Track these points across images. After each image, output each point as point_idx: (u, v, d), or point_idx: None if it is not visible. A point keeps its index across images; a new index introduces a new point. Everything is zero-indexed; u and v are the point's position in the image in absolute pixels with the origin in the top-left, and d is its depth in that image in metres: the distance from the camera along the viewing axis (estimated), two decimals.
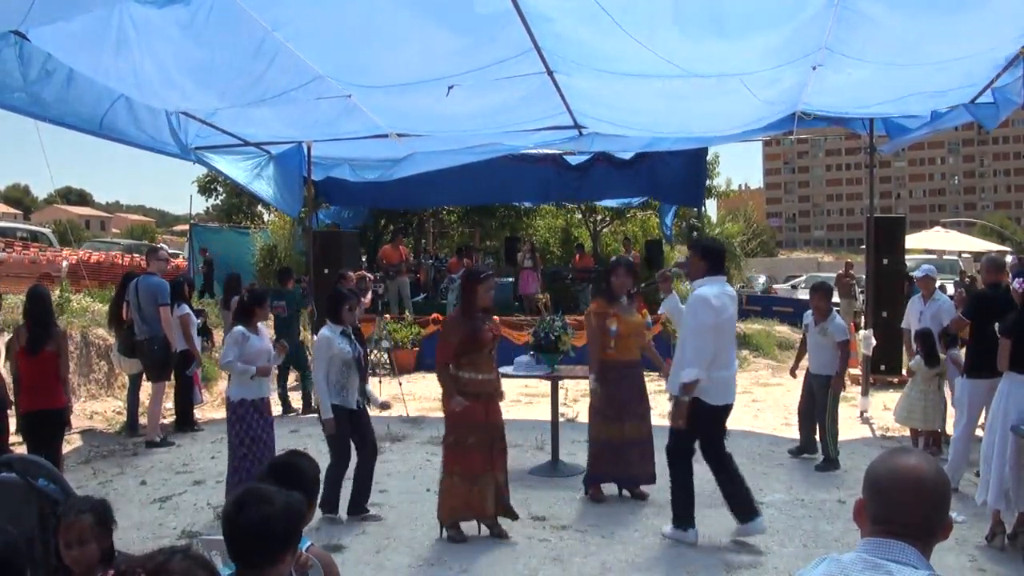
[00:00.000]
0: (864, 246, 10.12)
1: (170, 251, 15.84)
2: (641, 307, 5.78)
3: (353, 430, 5.36)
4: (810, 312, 6.88)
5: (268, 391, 5.58)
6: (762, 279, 22.05)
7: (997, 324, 4.97)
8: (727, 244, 17.18)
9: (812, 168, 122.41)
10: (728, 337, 4.84)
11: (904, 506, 1.59)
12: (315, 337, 5.42)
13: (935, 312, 7.21)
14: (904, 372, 7.05)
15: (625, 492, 5.88)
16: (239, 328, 5.38)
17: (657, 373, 6.53)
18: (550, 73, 6.62)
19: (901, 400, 7.07)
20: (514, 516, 5.12)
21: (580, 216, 18.91)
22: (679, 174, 12.18)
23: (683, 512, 4.88)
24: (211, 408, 9.54)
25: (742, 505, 4.82)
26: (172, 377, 8.07)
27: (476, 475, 4.89)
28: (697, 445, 4.89)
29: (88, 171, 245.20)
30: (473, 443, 4.88)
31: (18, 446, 5.71)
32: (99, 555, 2.61)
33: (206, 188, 26.03)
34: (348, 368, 5.30)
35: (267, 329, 5.80)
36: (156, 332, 7.62)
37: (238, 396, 5.32)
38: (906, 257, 11.40)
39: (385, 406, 5.67)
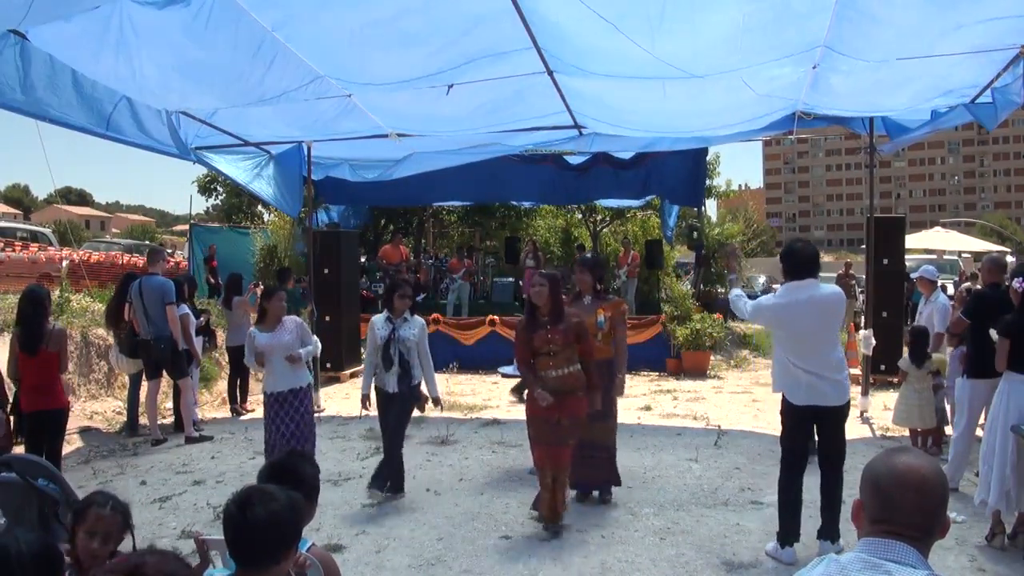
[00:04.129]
0: (864, 246, 10.11)
1: (168, 251, 15.87)
2: (602, 308, 5.61)
3: (385, 412, 5.72)
4: None
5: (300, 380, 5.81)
6: (762, 279, 21.90)
7: (994, 325, 4.98)
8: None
9: (812, 168, 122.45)
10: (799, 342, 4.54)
11: (904, 506, 1.58)
12: None
13: (929, 313, 7.57)
14: (898, 374, 7.04)
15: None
16: (252, 329, 5.86)
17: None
18: (550, 73, 6.61)
19: (897, 401, 7.10)
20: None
21: (580, 216, 18.89)
22: (679, 174, 12.20)
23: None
24: (211, 408, 9.54)
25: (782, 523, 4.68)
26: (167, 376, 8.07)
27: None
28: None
29: (88, 171, 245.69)
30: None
31: (18, 446, 5.71)
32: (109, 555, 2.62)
33: (206, 188, 26.10)
34: (379, 353, 5.64)
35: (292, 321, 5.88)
36: (163, 332, 7.61)
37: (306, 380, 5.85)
38: (906, 257, 11.39)
39: (436, 402, 5.82)
